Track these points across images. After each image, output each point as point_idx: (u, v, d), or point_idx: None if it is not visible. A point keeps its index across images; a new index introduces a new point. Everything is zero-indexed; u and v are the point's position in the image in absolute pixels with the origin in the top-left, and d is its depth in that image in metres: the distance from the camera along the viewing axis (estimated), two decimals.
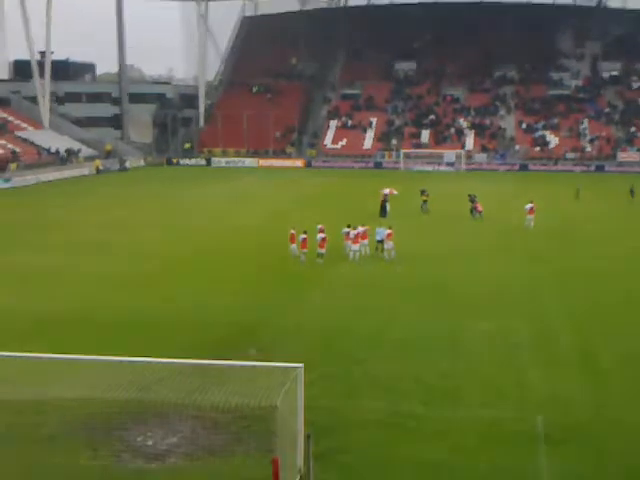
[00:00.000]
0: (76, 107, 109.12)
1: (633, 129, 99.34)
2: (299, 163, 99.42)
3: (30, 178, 78.40)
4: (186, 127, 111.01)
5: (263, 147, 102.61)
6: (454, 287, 34.01)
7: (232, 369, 18.26)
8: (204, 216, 55.16)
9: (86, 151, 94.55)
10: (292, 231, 39.44)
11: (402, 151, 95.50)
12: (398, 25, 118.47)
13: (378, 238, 40.29)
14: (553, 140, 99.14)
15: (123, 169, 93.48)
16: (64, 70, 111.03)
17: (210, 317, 29.08)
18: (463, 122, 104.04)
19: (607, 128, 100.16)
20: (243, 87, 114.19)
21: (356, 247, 39.37)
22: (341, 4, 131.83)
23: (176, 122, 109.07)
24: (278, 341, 26.33)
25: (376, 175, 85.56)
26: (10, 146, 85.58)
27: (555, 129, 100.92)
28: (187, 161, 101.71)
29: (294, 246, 39.18)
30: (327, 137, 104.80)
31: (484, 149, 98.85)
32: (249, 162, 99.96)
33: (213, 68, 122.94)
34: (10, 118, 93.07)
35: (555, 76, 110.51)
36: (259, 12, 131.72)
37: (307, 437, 16.87)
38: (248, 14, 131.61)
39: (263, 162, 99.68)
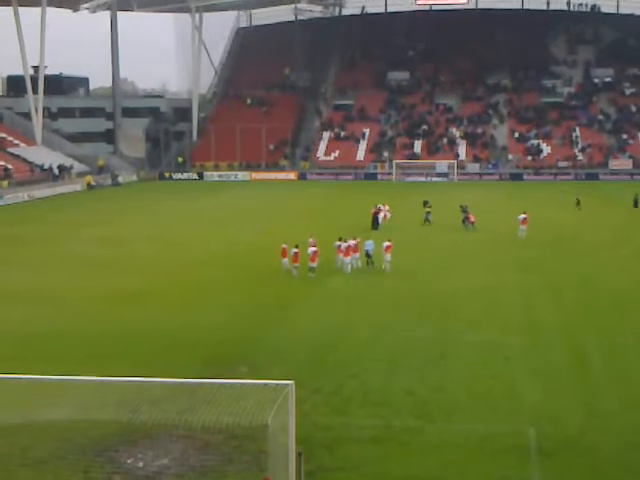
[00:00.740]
0: (69, 122, 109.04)
1: (625, 136, 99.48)
2: (292, 176, 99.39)
3: (22, 195, 78.21)
4: (179, 141, 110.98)
5: (256, 160, 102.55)
6: (446, 299, 34.01)
7: (222, 387, 18.16)
8: (195, 231, 55.02)
9: (79, 167, 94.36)
10: (284, 245, 39.38)
11: (395, 162, 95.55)
12: (391, 35, 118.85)
13: (368, 250, 40.28)
14: (545, 149, 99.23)
15: (116, 184, 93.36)
16: (57, 85, 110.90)
17: (200, 334, 28.98)
18: (456, 132, 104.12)
19: (599, 136, 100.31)
20: (237, 99, 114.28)
21: (348, 260, 39.38)
22: (335, 14, 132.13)
23: (169, 136, 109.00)
24: (269, 357, 26.23)
25: (369, 187, 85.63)
26: (2, 163, 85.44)
27: (548, 137, 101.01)
28: (180, 175, 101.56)
29: (286, 260, 39.13)
30: (320, 149, 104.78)
31: (476, 159, 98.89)
32: (242, 176, 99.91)
33: (207, 81, 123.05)
34: (3, 134, 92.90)
35: (548, 83, 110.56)
36: (253, 23, 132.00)
37: (298, 455, 16.79)
38: (242, 25, 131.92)
39: (256, 175, 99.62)
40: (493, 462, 18.64)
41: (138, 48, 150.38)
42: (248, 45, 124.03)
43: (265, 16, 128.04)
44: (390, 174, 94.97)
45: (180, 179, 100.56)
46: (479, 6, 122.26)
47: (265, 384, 17.14)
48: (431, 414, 21.44)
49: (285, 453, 16.87)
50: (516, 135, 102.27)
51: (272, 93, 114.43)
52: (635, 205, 63.39)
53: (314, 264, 38.19)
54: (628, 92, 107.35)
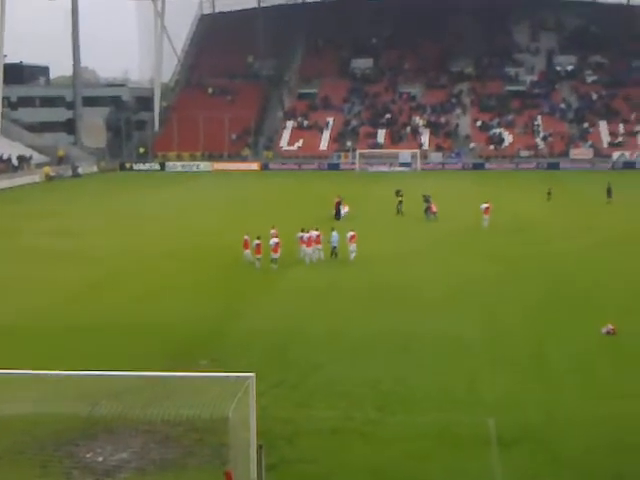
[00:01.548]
0: (29, 112, 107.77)
1: (586, 125, 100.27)
2: (255, 166, 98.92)
3: None
4: (141, 131, 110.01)
5: (218, 150, 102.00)
6: (407, 289, 34.15)
7: (183, 380, 18.06)
8: (155, 222, 54.57)
9: (38, 157, 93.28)
10: (246, 237, 39.19)
11: (358, 151, 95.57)
12: (355, 21, 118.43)
13: (334, 243, 40.30)
14: (507, 138, 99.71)
15: (76, 175, 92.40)
16: (17, 74, 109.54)
17: (160, 326, 28.83)
18: (419, 120, 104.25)
19: (561, 124, 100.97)
20: (199, 88, 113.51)
21: (309, 250, 39.36)
22: (299, 1, 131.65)
23: (130, 126, 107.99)
24: (231, 349, 26.18)
25: (332, 177, 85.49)
26: None
27: (510, 126, 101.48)
28: (141, 166, 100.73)
29: (248, 252, 38.97)
30: (283, 138, 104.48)
31: (439, 148, 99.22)
32: (204, 166, 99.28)
33: (169, 69, 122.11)
34: None
35: (511, 71, 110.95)
36: (217, 10, 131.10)
37: (259, 448, 16.76)
38: (206, 12, 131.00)
39: (218, 166, 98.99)
40: (454, 452, 18.79)
41: (99, 36, 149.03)
42: (211, 32, 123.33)
43: (228, 2, 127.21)
44: (353, 164, 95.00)
45: (141, 170, 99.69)
46: None
47: (226, 377, 17.09)
48: (392, 405, 21.52)
49: (246, 446, 16.84)
50: (479, 124, 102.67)
51: (235, 82, 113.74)
52: (609, 195, 60.59)
53: (276, 255, 38.12)
54: (590, 80, 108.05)
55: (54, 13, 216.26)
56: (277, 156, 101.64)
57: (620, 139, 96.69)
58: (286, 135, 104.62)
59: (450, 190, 70.23)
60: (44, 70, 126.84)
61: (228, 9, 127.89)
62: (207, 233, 48.95)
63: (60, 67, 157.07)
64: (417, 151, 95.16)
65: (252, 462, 16.84)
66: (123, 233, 49.87)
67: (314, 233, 39.93)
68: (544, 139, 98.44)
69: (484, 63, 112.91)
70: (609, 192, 60.58)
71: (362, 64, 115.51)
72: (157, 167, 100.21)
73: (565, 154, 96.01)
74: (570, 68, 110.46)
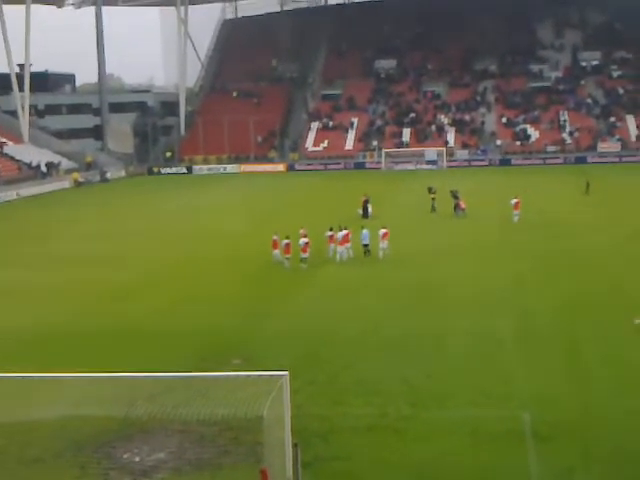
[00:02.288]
0: (56, 119, 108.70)
1: (613, 119, 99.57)
2: (281, 167, 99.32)
3: (10, 193, 77.95)
4: (167, 135, 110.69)
5: (245, 152, 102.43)
6: (438, 286, 34.00)
7: (217, 379, 18.15)
8: (185, 224, 54.99)
9: (67, 164, 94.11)
10: (275, 237, 39.31)
11: (384, 150, 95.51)
12: (378, 22, 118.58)
13: (365, 241, 40.24)
14: (534, 134, 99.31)
15: (104, 180, 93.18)
16: (43, 82, 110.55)
17: (193, 327, 28.96)
18: (444, 119, 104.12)
19: (587, 119, 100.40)
20: (224, 92, 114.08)
21: (341, 249, 39.36)
22: (321, 3, 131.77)
23: (157, 130, 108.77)
24: (263, 349, 26.22)
25: (358, 176, 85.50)
26: None
27: (536, 122, 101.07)
28: (168, 170, 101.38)
29: (277, 252, 39.07)
30: (308, 139, 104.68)
31: (465, 146, 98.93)
32: (231, 168, 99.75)
33: (194, 74, 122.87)
34: None
35: (535, 68, 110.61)
36: (239, 14, 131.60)
37: (294, 446, 16.79)
38: (229, 17, 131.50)
39: (245, 167, 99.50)
40: (488, 447, 18.67)
41: (124, 43, 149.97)
42: (234, 37, 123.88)
43: (251, 7, 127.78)
44: (379, 163, 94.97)
45: (169, 173, 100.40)
46: None
47: (259, 375, 17.13)
48: (425, 402, 21.45)
49: (281, 444, 16.86)
50: (504, 120, 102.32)
51: (259, 85, 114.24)
52: (586, 190, 60.89)
53: (306, 255, 38.14)
54: (615, 75, 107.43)
55: (79, 21, 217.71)
56: (303, 157, 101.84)
57: None
58: (311, 136, 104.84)
59: (478, 186, 69.96)
60: (70, 78, 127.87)
61: (250, 14, 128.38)
62: (236, 235, 49.10)
63: (86, 75, 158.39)
64: (443, 149, 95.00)
65: (287, 460, 16.86)
66: (153, 237, 50.15)
67: (343, 232, 39.91)
68: (571, 134, 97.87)
69: (508, 61, 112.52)
70: (587, 187, 60.95)
71: (386, 65, 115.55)
72: (184, 170, 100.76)
73: (593, 148, 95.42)
74: (595, 63, 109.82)
